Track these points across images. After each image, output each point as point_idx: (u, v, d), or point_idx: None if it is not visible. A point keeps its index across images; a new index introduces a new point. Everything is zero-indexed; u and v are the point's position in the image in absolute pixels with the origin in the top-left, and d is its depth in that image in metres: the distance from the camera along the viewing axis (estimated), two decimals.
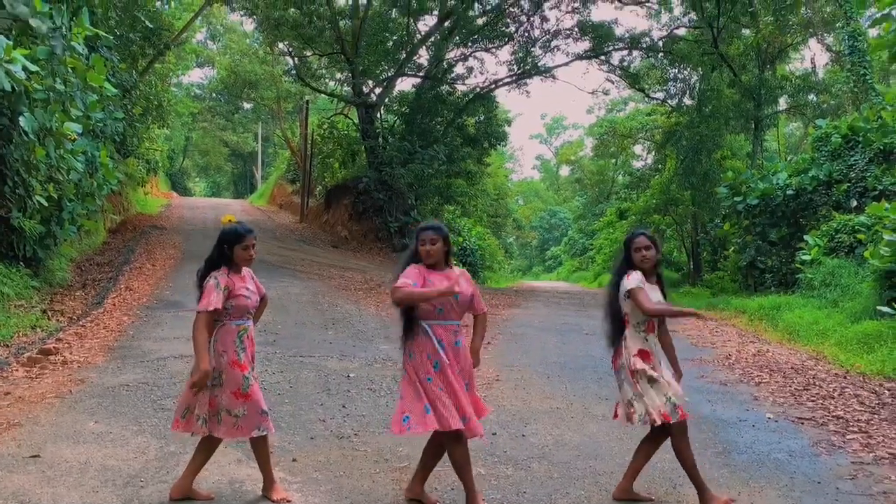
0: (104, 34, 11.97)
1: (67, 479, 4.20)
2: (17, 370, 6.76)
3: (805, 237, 15.14)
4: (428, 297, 3.80)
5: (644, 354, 4.09)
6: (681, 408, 4.06)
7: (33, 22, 8.30)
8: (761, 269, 17.01)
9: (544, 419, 5.96)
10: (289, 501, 4.00)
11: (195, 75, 54.29)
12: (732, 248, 20.16)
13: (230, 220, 4.14)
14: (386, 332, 9.79)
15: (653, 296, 4.10)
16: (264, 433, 3.97)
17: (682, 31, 24.64)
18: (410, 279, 3.88)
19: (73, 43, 9.78)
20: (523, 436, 5.44)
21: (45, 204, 10.44)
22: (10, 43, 7.47)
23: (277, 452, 4.80)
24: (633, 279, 4.09)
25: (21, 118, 8.40)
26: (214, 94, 39.02)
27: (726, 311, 15.09)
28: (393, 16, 24.31)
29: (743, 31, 23.69)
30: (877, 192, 14.93)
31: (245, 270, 4.16)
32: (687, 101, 25.46)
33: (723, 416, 6.29)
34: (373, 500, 4.13)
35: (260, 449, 4.02)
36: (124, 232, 19.47)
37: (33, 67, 7.98)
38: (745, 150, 26.31)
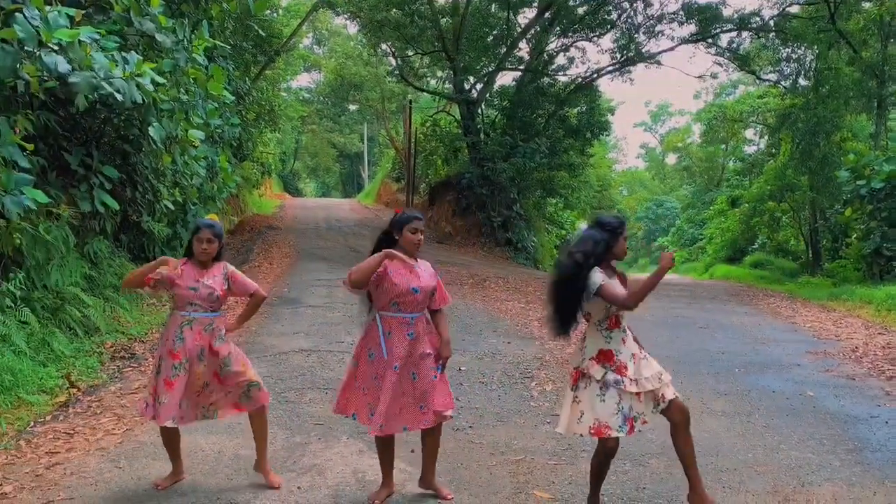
0: (221, 44, 12.56)
1: (204, 468, 4.46)
2: (151, 365, 7.20)
3: None
4: (371, 264, 3.81)
5: (605, 356, 3.72)
6: (630, 421, 3.71)
7: (159, 37, 8.80)
8: (888, 256, 15.96)
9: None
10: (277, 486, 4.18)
11: (303, 80, 56.12)
12: (855, 235, 18.97)
13: (211, 217, 4.36)
14: (494, 326, 9.82)
15: (617, 286, 3.74)
16: (175, 425, 4.07)
17: (794, 9, 23.34)
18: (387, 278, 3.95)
19: (194, 55, 10.33)
20: (640, 432, 5.32)
21: (172, 208, 11.07)
22: (140, 58, 7.95)
23: (398, 445, 4.90)
24: (596, 276, 3.65)
25: (150, 128, 8.93)
26: (322, 98, 40.15)
27: (850, 301, 14.25)
28: (492, 10, 24.24)
29: (863, 4, 22.20)
30: None
31: (220, 266, 4.26)
32: (802, 81, 24.11)
33: (852, 411, 5.96)
34: (491, 491, 4.17)
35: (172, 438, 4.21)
36: (242, 232, 20.38)
37: (160, 80, 8.46)
38: (867, 131, 24.66)
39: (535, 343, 8.76)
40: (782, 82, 25.11)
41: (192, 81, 10.40)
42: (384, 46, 25.78)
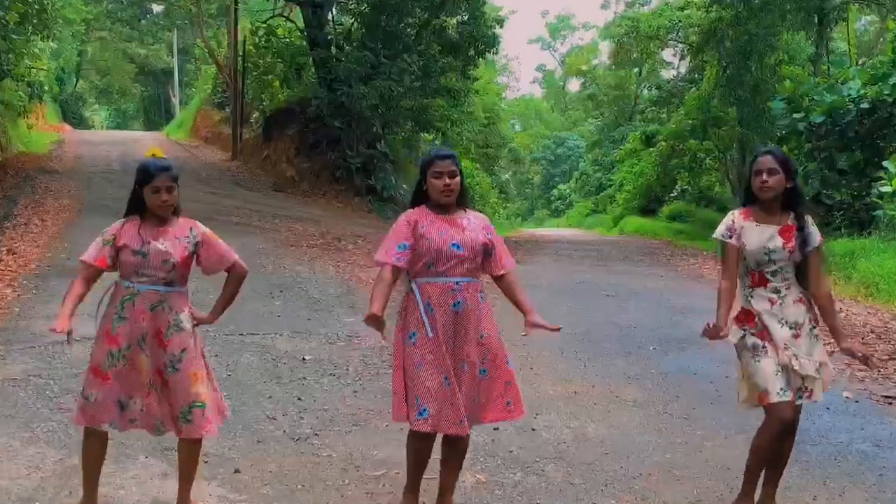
0: None
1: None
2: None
3: (884, 163, 15.11)
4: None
5: (745, 316, 4.02)
6: (765, 395, 3.90)
7: None
8: (828, 205, 17.00)
9: (559, 408, 5.94)
10: None
11: None
12: None
13: (153, 155, 3.97)
14: (350, 300, 9.70)
15: (758, 238, 3.96)
16: (112, 430, 3.89)
17: None
18: (396, 239, 3.83)
19: None
20: (533, 430, 5.40)
21: None
22: None
23: (214, 462, 4.72)
24: (720, 226, 4.11)
25: None
26: None
27: None
28: None
29: None
30: None
31: (185, 225, 3.97)
32: None
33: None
34: None
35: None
36: (3, 177, 19.12)
37: None
38: (807, 53, 26.12)
39: None
40: None
41: None
42: None
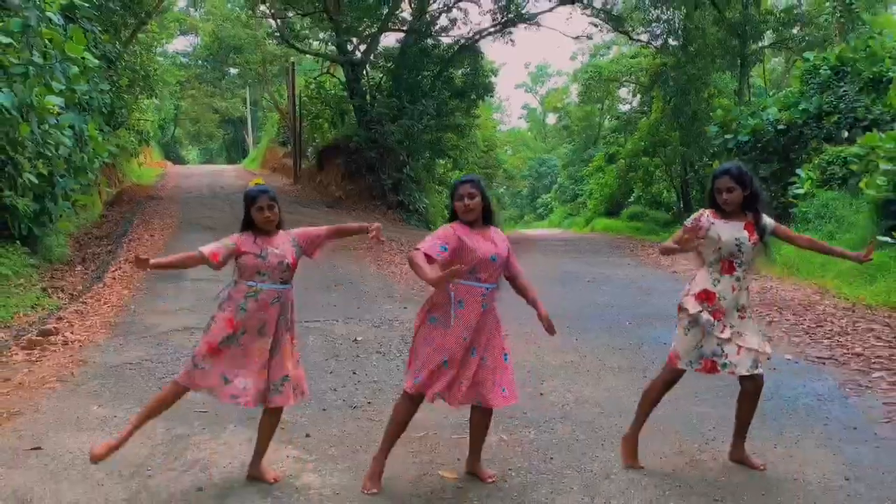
0: (81, 2, 11.28)
1: (71, 473, 3.86)
2: (16, 354, 6.38)
3: (797, 171, 14.75)
4: (423, 278, 3.39)
5: (706, 295, 3.74)
6: (707, 362, 3.69)
7: None
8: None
9: (560, 375, 5.66)
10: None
11: (179, 44, 52.64)
12: None
13: (256, 183, 3.83)
14: (389, 292, 9.45)
15: (730, 231, 3.69)
16: (209, 395, 3.71)
17: None
18: (440, 241, 3.53)
19: (48, 13, 9.17)
20: (541, 394, 5.12)
21: (36, 181, 9.95)
22: None
23: (289, 428, 4.47)
24: (691, 217, 3.85)
25: None
26: (200, 62, 37.83)
27: None
28: None
29: None
30: (867, 123, 14.51)
31: (286, 235, 3.84)
32: (671, 41, 24.66)
33: None
34: (392, 475, 3.80)
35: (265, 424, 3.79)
36: (121, 204, 18.94)
37: (6, 40, 7.41)
38: (731, 87, 25.65)
39: None
40: (653, 42, 25.64)
41: (48, 43, 9.26)
42: (263, 7, 24.45)
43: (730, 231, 3.68)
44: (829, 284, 9.80)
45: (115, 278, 10.03)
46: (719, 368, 3.67)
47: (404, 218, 21.06)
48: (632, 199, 31.62)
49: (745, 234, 3.68)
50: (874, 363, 5.65)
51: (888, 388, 5.00)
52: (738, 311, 3.71)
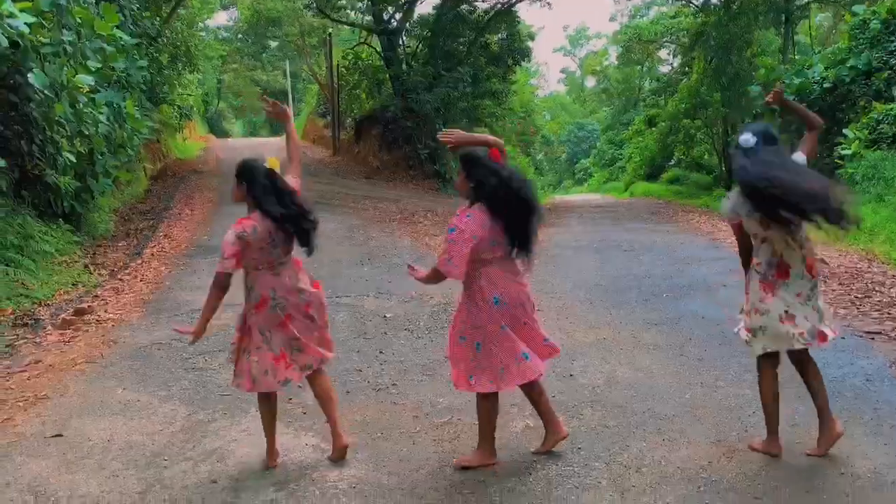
0: None
1: (88, 463, 3.74)
2: (50, 334, 6.33)
3: (844, 131, 13.97)
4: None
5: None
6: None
7: None
8: None
9: (592, 353, 5.34)
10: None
11: (220, 18, 52.66)
12: None
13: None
14: (422, 264, 9.11)
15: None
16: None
17: None
18: (472, 230, 3.35)
19: None
20: (571, 375, 4.83)
21: (75, 160, 9.94)
22: None
23: (311, 413, 4.28)
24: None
25: (30, 74, 7.75)
26: (240, 36, 37.72)
27: None
28: None
29: None
30: None
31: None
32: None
33: None
34: (414, 466, 3.58)
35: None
36: (164, 178, 19.04)
37: (32, 19, 7.27)
38: (775, 45, 24.49)
39: None
40: (694, 1, 24.58)
41: (80, 22, 9.12)
42: None
43: None
44: (877, 250, 9.24)
45: (153, 254, 10.00)
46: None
47: (440, 187, 20.72)
48: (672, 162, 30.74)
49: None
50: None
51: None
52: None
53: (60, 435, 4.08)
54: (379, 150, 22.30)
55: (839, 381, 4.47)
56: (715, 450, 3.59)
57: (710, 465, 3.41)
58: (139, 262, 9.48)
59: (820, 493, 3.13)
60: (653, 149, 30.53)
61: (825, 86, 15.31)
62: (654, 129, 30.54)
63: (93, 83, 9.24)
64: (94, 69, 9.66)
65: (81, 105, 9.52)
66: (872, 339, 5.35)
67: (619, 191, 33.55)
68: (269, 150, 28.98)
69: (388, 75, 22.49)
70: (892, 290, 6.91)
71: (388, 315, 6.66)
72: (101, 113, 10.17)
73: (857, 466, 3.34)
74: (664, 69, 38.62)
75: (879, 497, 3.09)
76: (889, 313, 6.01)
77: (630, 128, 35.88)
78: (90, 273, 9.27)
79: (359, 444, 3.85)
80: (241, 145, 31.27)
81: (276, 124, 51.36)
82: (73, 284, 8.68)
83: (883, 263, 8.48)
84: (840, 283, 7.27)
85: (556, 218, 15.49)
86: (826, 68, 15.71)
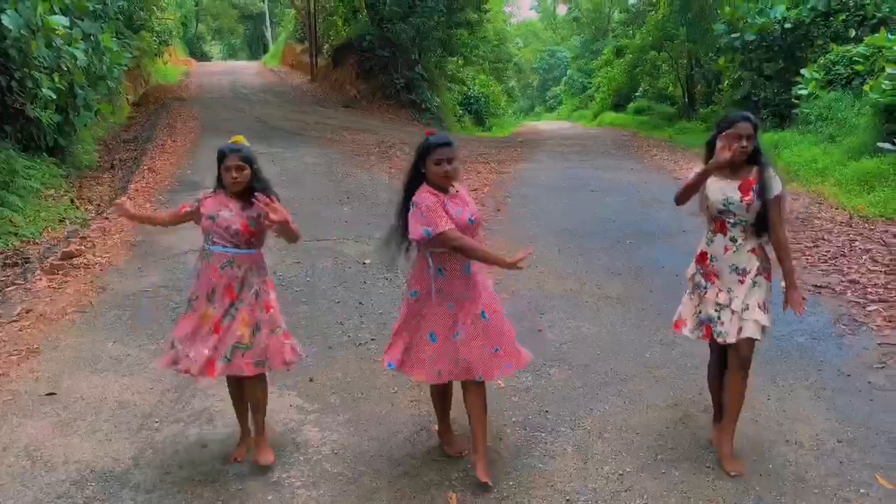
0: None
1: (81, 425, 3.69)
2: (40, 279, 6.16)
3: (802, 71, 13.79)
4: (487, 260, 3.00)
5: (701, 257, 3.30)
6: (707, 328, 3.24)
7: None
8: (756, 102, 15.76)
9: (560, 306, 5.35)
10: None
11: None
12: (727, 83, 18.73)
13: (234, 142, 3.27)
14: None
15: (720, 191, 3.18)
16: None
17: None
18: (441, 211, 2.96)
19: None
20: (539, 331, 4.84)
21: (54, 95, 9.47)
22: None
23: (293, 370, 4.23)
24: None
25: (2, 16, 7.24)
26: None
27: None
28: None
29: None
30: (876, 21, 13.42)
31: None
32: None
33: None
34: (392, 431, 3.60)
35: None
36: (147, 105, 18.36)
37: None
38: None
39: None
40: None
41: None
42: None
43: (720, 191, 3.17)
44: (826, 192, 9.30)
45: (137, 190, 9.69)
46: (715, 336, 3.22)
47: (416, 117, 20.29)
48: (639, 92, 30.35)
49: (738, 194, 3.13)
50: (870, 292, 5.30)
51: (883, 325, 4.68)
52: (737, 273, 3.19)
53: (54, 393, 4.02)
54: (356, 78, 21.66)
55: (786, 338, 4.54)
56: (671, 414, 3.66)
57: (667, 432, 3.48)
58: (125, 198, 9.18)
59: (766, 462, 3.21)
60: (620, 79, 30.09)
61: (786, 26, 15.03)
62: (621, 59, 30.00)
63: (67, 24, 8.69)
64: (68, 1, 9.10)
65: (57, 45, 9.01)
66: (819, 293, 5.42)
67: (588, 119, 33.22)
68: (247, 74, 27.96)
69: (364, 3, 21.59)
70: (839, 237, 6.98)
71: (366, 262, 6.57)
72: (77, 48, 9.63)
73: (799, 434, 3.42)
74: (633, 0, 37.58)
75: (820, 465, 3.18)
76: (835, 265, 6.08)
77: (599, 58, 35.20)
78: (76, 208, 9.01)
79: (340, 406, 3.86)
80: (220, 69, 30.10)
81: (255, 47, 49.40)
82: (61, 221, 8.43)
83: (832, 207, 8.54)
84: (791, 230, 7.31)
85: (528, 152, 15.29)
86: (787, 8, 15.37)
